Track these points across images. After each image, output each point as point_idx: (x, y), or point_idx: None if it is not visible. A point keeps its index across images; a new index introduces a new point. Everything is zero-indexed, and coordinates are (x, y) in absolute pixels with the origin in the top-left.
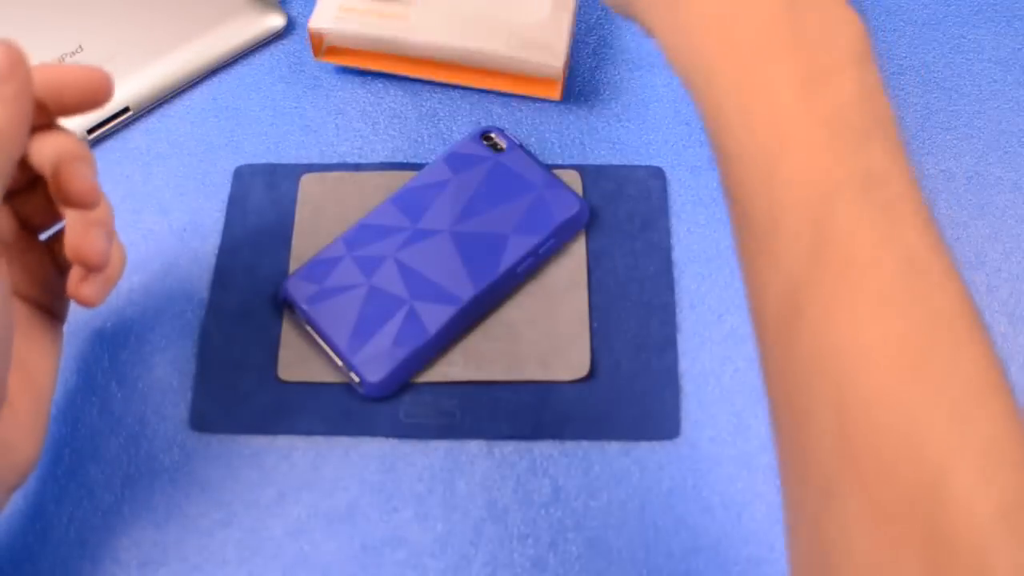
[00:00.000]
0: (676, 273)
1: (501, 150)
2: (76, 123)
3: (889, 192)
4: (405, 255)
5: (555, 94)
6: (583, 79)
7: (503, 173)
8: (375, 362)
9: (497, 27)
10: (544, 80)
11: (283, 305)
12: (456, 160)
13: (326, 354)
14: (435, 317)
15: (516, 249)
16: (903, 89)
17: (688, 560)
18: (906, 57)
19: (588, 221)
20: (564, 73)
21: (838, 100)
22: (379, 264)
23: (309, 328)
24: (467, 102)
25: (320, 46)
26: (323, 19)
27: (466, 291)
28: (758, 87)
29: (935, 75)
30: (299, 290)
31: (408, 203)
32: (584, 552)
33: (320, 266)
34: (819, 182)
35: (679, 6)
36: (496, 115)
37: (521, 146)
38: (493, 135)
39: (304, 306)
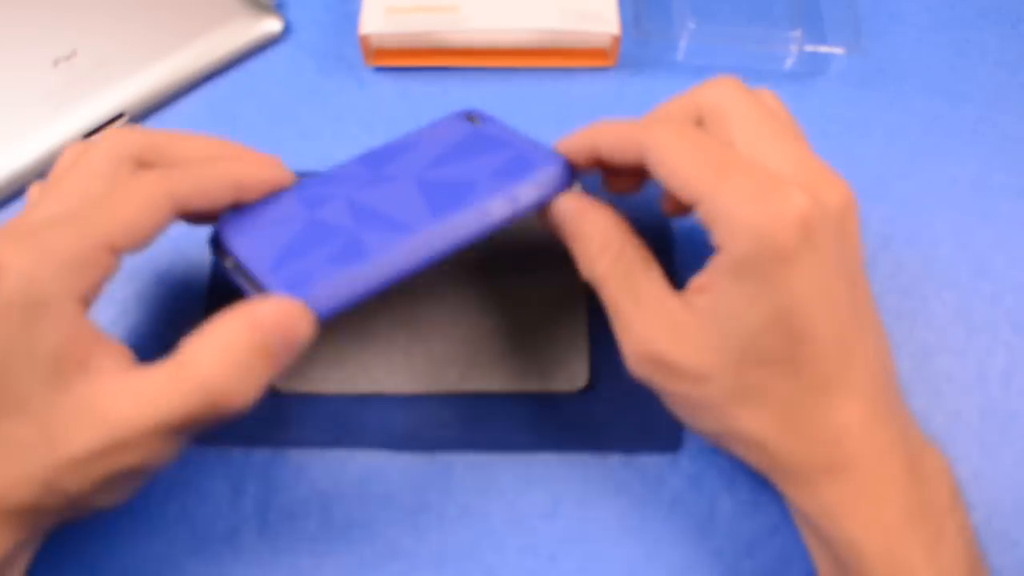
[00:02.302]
0: (677, 281)
1: (482, 126)
2: (71, 130)
3: None
4: (358, 195)
5: (611, 61)
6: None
7: (482, 137)
8: (299, 283)
9: (547, 4)
10: (597, 50)
11: (214, 245)
12: (432, 128)
13: (250, 290)
14: (382, 243)
15: (486, 191)
16: (906, 94)
17: (689, 574)
18: (909, 61)
19: (571, 183)
20: (618, 41)
21: (954, 552)
22: (326, 201)
23: (235, 264)
24: (465, 107)
25: (370, 51)
26: (373, 24)
27: (422, 222)
28: (900, 560)
29: (939, 79)
30: (229, 224)
31: (373, 159)
32: (583, 565)
33: (260, 206)
34: None
35: (820, 488)
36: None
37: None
38: (475, 116)
39: (229, 236)
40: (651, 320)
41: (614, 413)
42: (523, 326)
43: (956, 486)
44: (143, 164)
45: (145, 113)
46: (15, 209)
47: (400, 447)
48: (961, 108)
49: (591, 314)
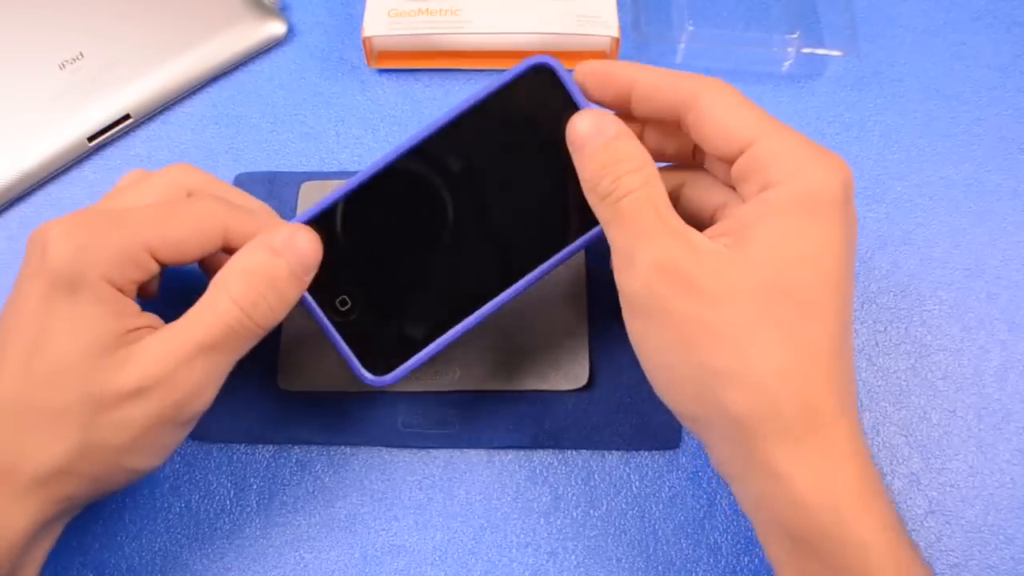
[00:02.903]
0: None
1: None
2: (78, 132)
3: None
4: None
5: None
6: None
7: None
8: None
9: (548, 7)
10: (597, 53)
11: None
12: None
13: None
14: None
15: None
16: (903, 96)
17: (688, 569)
18: (906, 64)
19: None
20: (617, 43)
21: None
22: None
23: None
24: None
25: (372, 53)
26: (375, 26)
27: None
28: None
29: (935, 82)
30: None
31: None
32: (584, 561)
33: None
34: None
35: (805, 446)
36: None
37: None
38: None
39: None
40: (678, 239)
41: (614, 411)
42: (524, 325)
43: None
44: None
45: (150, 114)
46: (23, 209)
47: (402, 445)
48: (956, 110)
49: (591, 314)
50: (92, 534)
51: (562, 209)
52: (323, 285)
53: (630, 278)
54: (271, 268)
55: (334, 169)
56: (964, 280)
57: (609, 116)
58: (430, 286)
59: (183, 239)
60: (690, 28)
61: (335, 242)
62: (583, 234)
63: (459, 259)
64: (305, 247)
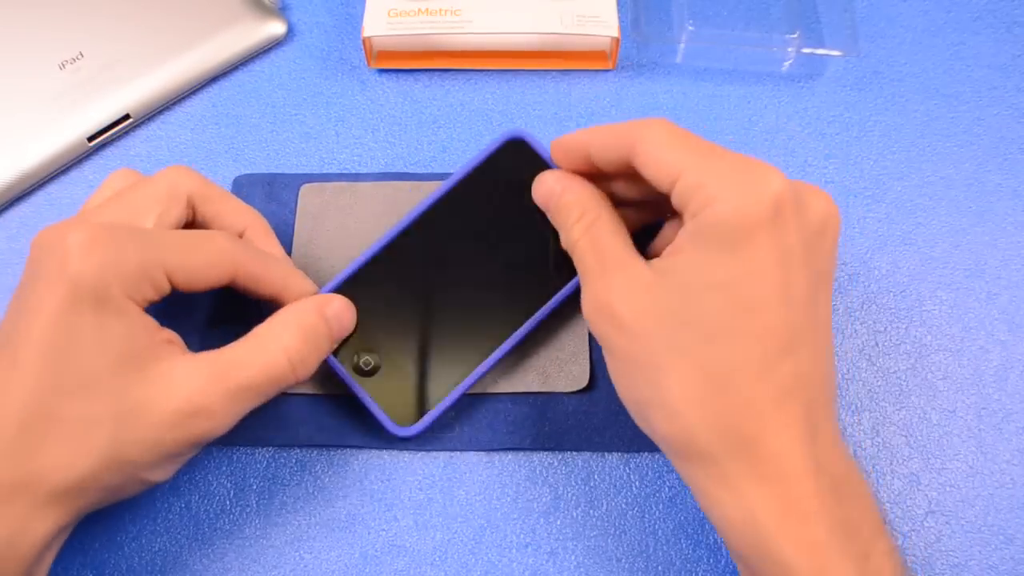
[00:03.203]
0: None
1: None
2: (78, 132)
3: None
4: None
5: (611, 64)
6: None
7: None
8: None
9: (548, 7)
10: (597, 53)
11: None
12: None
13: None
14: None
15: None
16: (902, 96)
17: (688, 569)
18: (906, 64)
19: None
20: (617, 43)
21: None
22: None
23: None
24: (467, 110)
25: (372, 53)
26: (375, 26)
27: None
28: None
29: (935, 81)
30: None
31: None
32: (584, 561)
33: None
34: None
35: (742, 489)
36: (495, 122)
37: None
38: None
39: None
40: (611, 278)
41: (614, 413)
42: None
43: (881, 512)
44: (192, 205)
45: (150, 114)
46: (23, 209)
47: (402, 447)
48: (956, 110)
49: None
50: (92, 534)
51: (552, 257)
52: (346, 348)
53: (585, 311)
54: (321, 330)
55: (334, 170)
56: (964, 280)
57: (558, 174)
58: (442, 339)
59: (200, 269)
60: (690, 28)
61: (355, 306)
62: (575, 275)
63: (465, 313)
64: (349, 320)
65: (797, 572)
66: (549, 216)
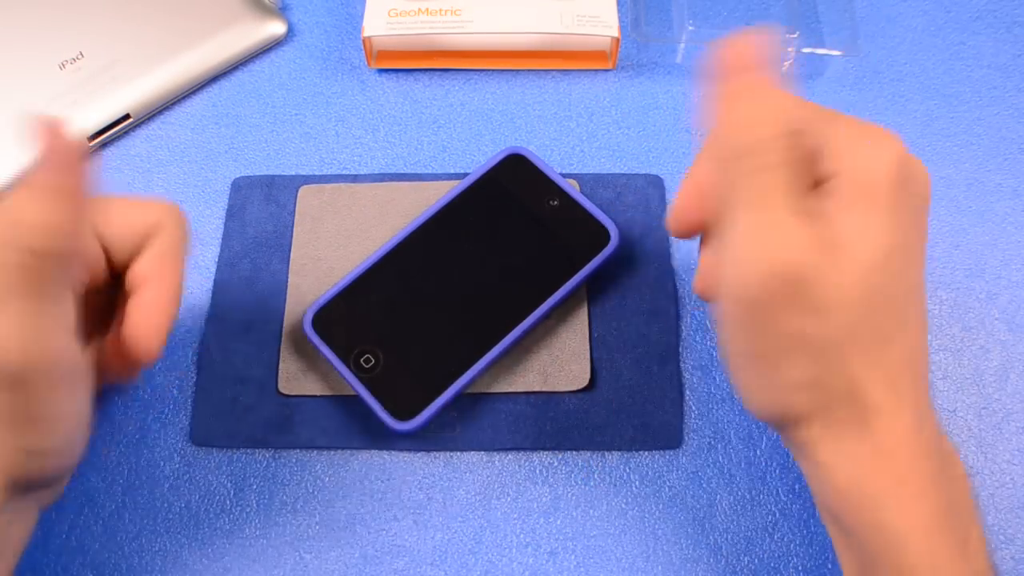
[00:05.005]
0: (676, 281)
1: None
2: (78, 133)
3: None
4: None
5: (611, 63)
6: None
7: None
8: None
9: (548, 7)
10: (598, 53)
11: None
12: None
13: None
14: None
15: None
16: (902, 96)
17: (688, 569)
18: (906, 64)
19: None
20: (617, 43)
21: (977, 561)
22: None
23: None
24: (467, 110)
25: (372, 53)
26: (375, 26)
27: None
28: (938, 565)
29: (935, 81)
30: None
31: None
32: (584, 561)
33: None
34: None
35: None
36: (495, 122)
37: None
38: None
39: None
40: (800, 227)
41: (615, 412)
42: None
43: (975, 498)
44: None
45: (150, 114)
46: None
47: (402, 447)
48: (956, 110)
49: (591, 313)
50: (92, 534)
51: (548, 263)
52: (348, 346)
53: (743, 267)
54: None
55: (334, 169)
56: (964, 280)
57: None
58: (441, 339)
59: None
60: (690, 28)
61: (357, 308)
62: (568, 280)
63: (462, 315)
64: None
65: (907, 545)
66: (728, 103)
